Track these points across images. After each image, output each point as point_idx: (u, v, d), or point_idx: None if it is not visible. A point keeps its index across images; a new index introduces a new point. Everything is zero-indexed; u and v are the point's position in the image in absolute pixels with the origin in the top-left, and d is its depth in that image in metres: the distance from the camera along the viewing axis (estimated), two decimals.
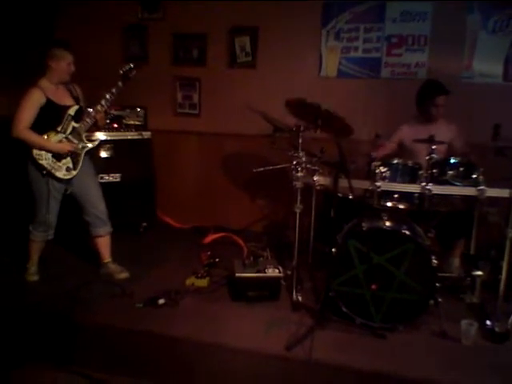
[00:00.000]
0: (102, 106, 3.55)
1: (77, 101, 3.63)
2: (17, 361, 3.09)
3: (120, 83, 3.58)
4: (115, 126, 4.95)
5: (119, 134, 4.93)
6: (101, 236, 3.83)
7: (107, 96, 3.55)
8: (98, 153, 4.72)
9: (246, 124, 4.84)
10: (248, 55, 5.14)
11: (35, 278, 3.78)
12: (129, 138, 4.97)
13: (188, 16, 5.20)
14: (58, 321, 3.19)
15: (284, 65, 5.02)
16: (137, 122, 5.13)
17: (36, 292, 3.58)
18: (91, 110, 3.57)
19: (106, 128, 4.78)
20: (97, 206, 3.74)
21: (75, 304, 3.32)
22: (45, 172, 3.48)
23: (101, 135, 4.65)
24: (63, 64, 3.49)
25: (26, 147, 3.44)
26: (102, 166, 4.68)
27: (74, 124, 3.56)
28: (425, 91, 3.96)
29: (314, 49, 4.95)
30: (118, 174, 4.86)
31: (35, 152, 3.45)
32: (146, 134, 5.07)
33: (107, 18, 5.38)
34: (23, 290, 3.63)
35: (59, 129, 3.52)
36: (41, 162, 3.46)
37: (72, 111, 3.56)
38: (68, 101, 3.59)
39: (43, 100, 3.44)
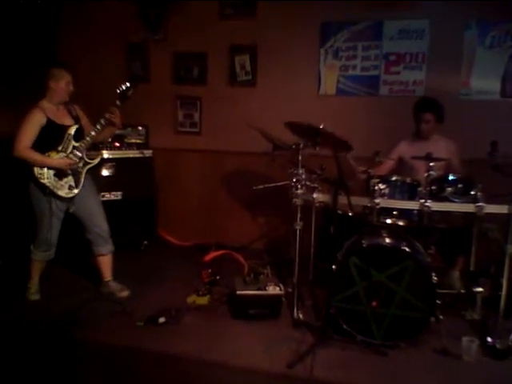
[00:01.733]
0: (101, 123, 3.60)
1: (76, 120, 3.68)
2: (18, 381, 3.09)
3: (118, 102, 3.64)
4: (117, 144, 4.99)
5: (121, 152, 4.99)
6: (103, 255, 3.84)
7: (106, 115, 3.61)
8: (100, 171, 4.77)
9: (247, 142, 4.88)
10: (248, 74, 5.20)
11: (36, 297, 3.79)
12: (130, 156, 5.02)
13: (188, 36, 5.27)
14: (59, 340, 3.19)
15: (283, 83, 5.07)
16: (138, 141, 5.18)
17: (37, 311, 3.57)
18: (96, 123, 3.62)
19: (108, 147, 4.84)
20: (99, 224, 3.76)
21: (76, 323, 3.33)
22: (47, 191, 3.51)
23: (103, 153, 4.70)
24: (62, 84, 3.55)
25: (28, 167, 3.48)
26: (104, 184, 4.72)
27: (74, 143, 3.60)
28: (414, 107, 4.03)
29: (313, 67, 5.01)
30: (119, 192, 4.89)
31: (37, 171, 3.48)
32: (148, 153, 5.12)
33: (110, 38, 5.46)
34: (24, 309, 3.63)
35: (60, 148, 3.56)
36: (43, 181, 3.49)
37: (72, 130, 3.61)
38: (68, 121, 3.64)
39: (44, 120, 3.49)
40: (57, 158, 3.54)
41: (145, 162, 5.10)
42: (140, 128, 5.19)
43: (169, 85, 5.44)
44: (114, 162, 4.91)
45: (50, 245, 3.66)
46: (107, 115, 3.60)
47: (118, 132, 4.90)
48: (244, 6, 5.07)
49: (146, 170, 5.12)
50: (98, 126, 3.60)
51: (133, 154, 5.04)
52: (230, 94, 5.26)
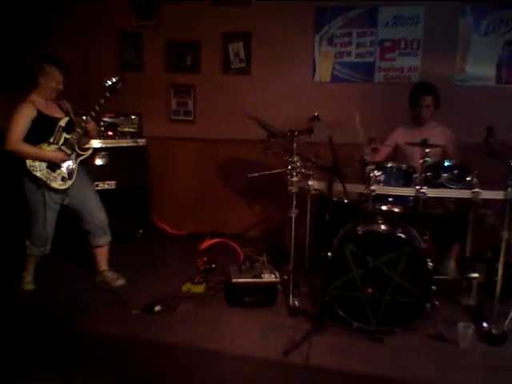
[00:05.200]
0: (92, 116, 3.56)
1: (67, 114, 3.64)
2: (15, 372, 3.08)
3: (107, 94, 3.59)
4: (110, 133, 4.95)
5: (114, 141, 4.93)
6: (101, 246, 3.82)
7: (96, 107, 3.56)
8: (93, 160, 4.72)
9: (241, 130, 4.85)
10: (242, 61, 5.16)
11: (31, 286, 3.77)
12: (124, 145, 4.97)
13: (181, 22, 5.22)
14: (54, 330, 3.17)
15: (278, 70, 5.04)
16: (131, 130, 5.12)
17: (32, 301, 3.56)
18: (83, 118, 3.58)
19: (101, 136, 4.79)
20: (97, 215, 3.73)
21: (72, 312, 3.31)
22: (40, 183, 3.46)
23: (96, 143, 4.65)
24: (53, 83, 3.50)
25: (20, 160, 3.43)
26: (98, 174, 4.69)
27: (65, 135, 3.56)
28: (412, 92, 4.01)
29: (308, 54, 4.98)
30: (113, 182, 4.86)
31: (29, 164, 3.43)
32: (141, 141, 5.08)
33: (102, 25, 5.39)
34: (19, 299, 3.61)
35: (51, 140, 3.52)
36: (35, 173, 3.44)
37: (63, 122, 3.57)
38: (58, 113, 3.60)
39: (34, 113, 3.44)
40: (50, 151, 3.51)
41: (138, 151, 5.05)
42: (133, 117, 5.13)
43: (162, 73, 5.39)
44: (108, 151, 4.86)
45: (45, 240, 3.62)
46: (83, 124, 3.56)
47: (110, 120, 4.92)
48: None
49: (140, 158, 5.08)
50: (79, 130, 3.56)
51: (126, 142, 4.99)
52: (224, 82, 5.23)
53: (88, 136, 3.70)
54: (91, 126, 3.61)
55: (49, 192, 3.52)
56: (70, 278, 3.93)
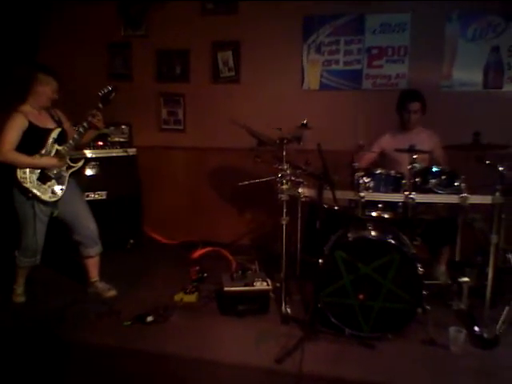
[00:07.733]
0: (84, 127, 3.55)
1: (59, 124, 3.63)
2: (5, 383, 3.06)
3: (100, 105, 3.59)
4: (100, 143, 4.94)
5: (104, 151, 4.94)
6: (91, 257, 3.81)
7: (89, 118, 3.55)
8: (84, 171, 4.72)
9: (231, 138, 4.87)
10: (231, 70, 5.18)
11: (22, 299, 3.75)
12: (114, 155, 4.98)
13: (170, 32, 5.25)
14: (46, 342, 3.15)
15: (267, 79, 5.07)
16: (122, 139, 5.13)
17: (23, 313, 3.53)
18: (78, 126, 3.57)
19: (91, 146, 4.79)
20: (88, 226, 3.72)
21: (63, 324, 3.30)
22: (30, 195, 3.45)
23: (86, 153, 4.65)
24: (49, 90, 3.49)
25: (11, 171, 3.41)
26: (88, 184, 4.69)
27: (57, 147, 3.55)
28: (399, 99, 4.05)
29: (296, 62, 5.01)
30: (103, 192, 4.86)
31: (20, 175, 3.42)
32: (131, 151, 5.08)
33: (91, 36, 5.41)
34: (10, 311, 3.59)
35: (43, 152, 3.50)
36: (25, 185, 3.43)
37: (55, 134, 3.55)
38: (50, 124, 3.59)
39: (26, 124, 3.42)
40: (43, 159, 3.49)
41: (129, 161, 5.05)
42: (123, 126, 5.15)
43: (152, 82, 5.41)
44: (98, 162, 4.87)
45: (35, 251, 3.59)
46: (89, 118, 3.55)
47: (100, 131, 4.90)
48: (226, 0, 5.06)
49: (131, 168, 5.08)
50: (81, 130, 3.55)
51: (116, 152, 5.00)
52: (214, 91, 5.25)
53: (96, 129, 3.66)
54: (98, 119, 3.58)
55: (38, 204, 3.51)
56: (60, 290, 3.91)
